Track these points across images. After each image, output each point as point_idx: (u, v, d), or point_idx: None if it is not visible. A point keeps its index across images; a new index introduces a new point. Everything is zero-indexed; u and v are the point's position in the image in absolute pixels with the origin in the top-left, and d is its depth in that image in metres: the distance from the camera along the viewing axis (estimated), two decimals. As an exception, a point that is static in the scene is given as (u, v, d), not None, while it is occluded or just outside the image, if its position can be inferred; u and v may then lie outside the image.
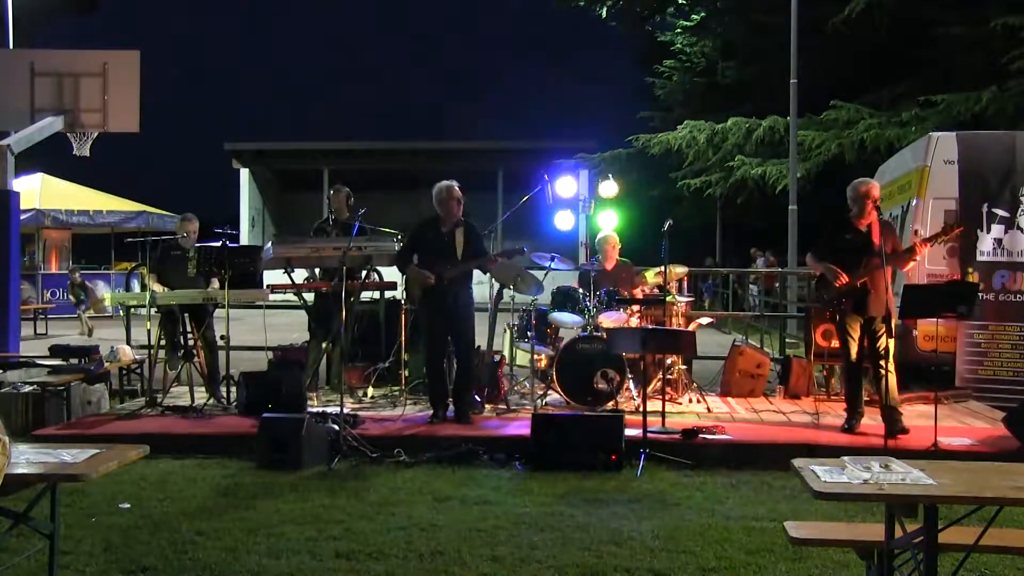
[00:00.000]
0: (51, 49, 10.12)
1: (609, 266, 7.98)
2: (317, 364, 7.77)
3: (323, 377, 7.96)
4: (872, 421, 6.54)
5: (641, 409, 6.04)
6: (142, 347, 8.02)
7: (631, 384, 7.20)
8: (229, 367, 7.16)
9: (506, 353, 7.94)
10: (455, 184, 6.68)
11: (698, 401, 7.46)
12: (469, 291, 6.74)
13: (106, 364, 7.73)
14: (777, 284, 15.85)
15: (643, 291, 7.79)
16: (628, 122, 25.99)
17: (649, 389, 6.75)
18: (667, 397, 7.00)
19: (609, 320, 7.31)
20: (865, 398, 7.26)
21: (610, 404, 6.98)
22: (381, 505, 4.88)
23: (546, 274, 7.49)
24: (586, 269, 7.95)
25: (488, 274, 7.26)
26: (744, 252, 23.16)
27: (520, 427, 6.35)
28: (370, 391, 7.60)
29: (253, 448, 5.86)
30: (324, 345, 7.70)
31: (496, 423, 6.67)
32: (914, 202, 8.32)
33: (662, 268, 7.32)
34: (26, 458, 3.24)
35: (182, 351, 7.40)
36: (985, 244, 7.74)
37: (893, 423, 6.03)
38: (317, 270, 7.82)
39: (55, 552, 3.46)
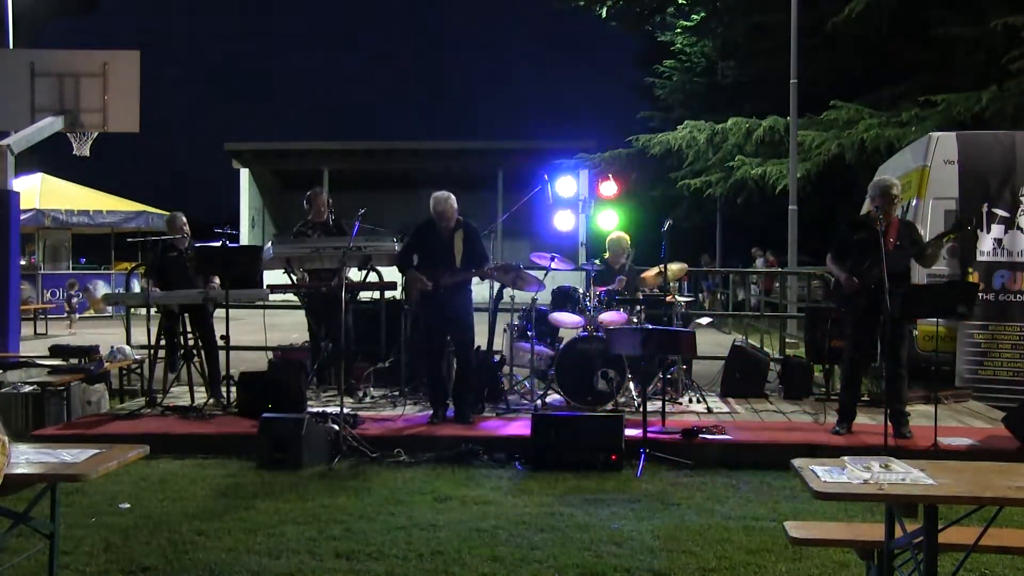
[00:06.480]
0: (51, 49, 10.11)
1: (615, 266, 7.98)
2: (316, 364, 7.78)
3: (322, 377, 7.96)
4: (872, 421, 6.54)
5: (641, 409, 6.05)
6: (142, 347, 8.02)
7: (631, 384, 7.21)
8: (229, 367, 7.16)
9: (506, 353, 7.93)
10: (453, 199, 6.64)
11: (698, 401, 7.46)
12: (468, 292, 6.76)
13: (106, 364, 7.74)
14: (777, 284, 15.83)
15: (643, 291, 7.79)
16: (628, 122, 26.05)
17: (649, 389, 6.75)
18: (667, 397, 7.00)
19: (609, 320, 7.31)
20: (865, 397, 7.26)
21: (610, 404, 6.98)
22: (381, 505, 4.88)
23: (546, 274, 7.49)
24: (594, 269, 7.86)
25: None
26: (744, 252, 23.14)
27: (520, 427, 6.36)
28: (370, 391, 7.61)
29: (253, 448, 5.86)
30: (323, 345, 7.71)
31: (496, 423, 6.67)
32: (914, 202, 8.33)
33: (661, 267, 7.32)
34: (26, 458, 3.23)
35: (182, 351, 7.40)
36: (985, 244, 7.74)
37: (900, 426, 6.02)
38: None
39: (55, 552, 3.46)
